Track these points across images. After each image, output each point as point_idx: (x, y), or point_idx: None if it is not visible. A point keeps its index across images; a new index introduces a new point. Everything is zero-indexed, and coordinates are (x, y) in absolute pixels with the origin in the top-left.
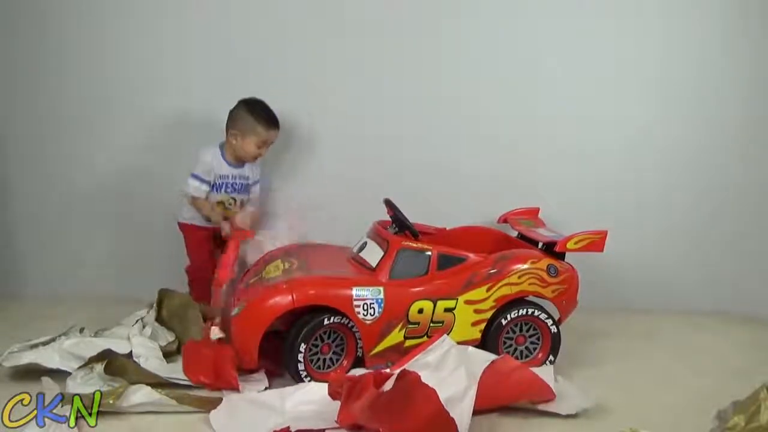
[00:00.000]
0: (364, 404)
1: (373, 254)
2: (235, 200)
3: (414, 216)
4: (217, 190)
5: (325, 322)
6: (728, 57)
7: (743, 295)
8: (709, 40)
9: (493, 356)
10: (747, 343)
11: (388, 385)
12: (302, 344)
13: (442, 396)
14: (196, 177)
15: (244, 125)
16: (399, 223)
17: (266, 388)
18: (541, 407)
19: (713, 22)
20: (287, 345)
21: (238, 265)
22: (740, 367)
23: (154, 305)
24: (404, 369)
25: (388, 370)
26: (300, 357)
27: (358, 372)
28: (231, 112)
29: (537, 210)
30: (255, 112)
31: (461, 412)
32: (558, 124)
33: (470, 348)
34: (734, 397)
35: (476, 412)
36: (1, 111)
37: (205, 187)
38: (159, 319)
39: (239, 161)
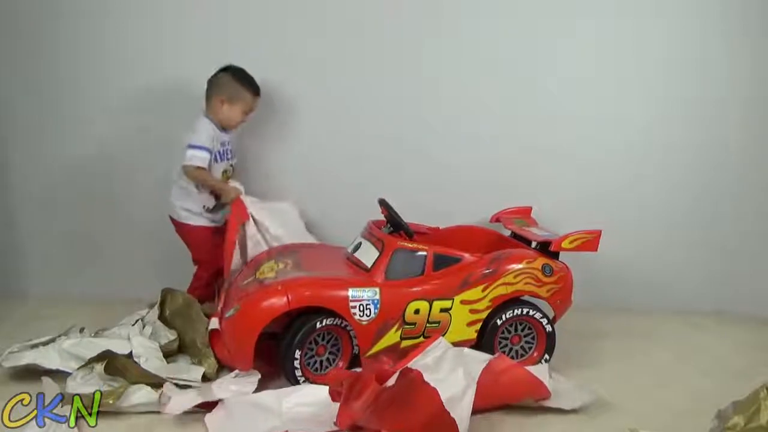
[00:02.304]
0: (364, 403)
1: (368, 254)
2: (232, 167)
3: (405, 215)
4: (221, 159)
5: (318, 325)
6: (728, 57)
7: (743, 296)
8: (709, 40)
9: (489, 356)
10: (747, 343)
11: (391, 382)
12: (297, 351)
13: (442, 396)
14: (199, 148)
15: (232, 92)
16: (394, 223)
17: (258, 381)
18: (544, 404)
19: (713, 22)
20: (282, 351)
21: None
22: (740, 367)
23: (156, 305)
24: (406, 367)
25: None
26: (296, 363)
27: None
28: (215, 78)
29: (529, 209)
30: (242, 80)
31: (461, 411)
32: (557, 124)
33: (466, 349)
34: (734, 397)
35: (475, 412)
36: (3, 112)
37: (208, 157)
38: (162, 318)
39: (223, 129)
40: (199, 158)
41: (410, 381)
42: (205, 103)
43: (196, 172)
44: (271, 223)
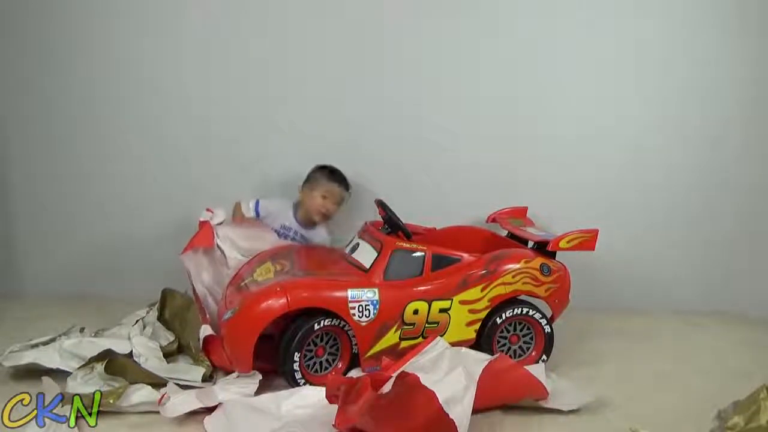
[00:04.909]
0: (362, 407)
1: (366, 255)
2: None
3: (402, 215)
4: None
5: (315, 327)
6: (728, 57)
7: (742, 296)
8: (708, 40)
9: (486, 356)
10: (746, 344)
11: (387, 387)
12: (296, 353)
13: (441, 397)
14: (257, 205)
15: (311, 181)
16: (391, 224)
17: (258, 382)
18: (543, 404)
19: (713, 22)
20: (281, 353)
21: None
22: (740, 367)
23: (156, 305)
24: (403, 371)
25: (379, 368)
26: (296, 366)
27: (354, 374)
28: (308, 175)
29: (525, 209)
30: (321, 169)
31: (461, 412)
32: (556, 124)
33: (464, 349)
34: (734, 397)
35: (474, 411)
36: (1, 111)
37: (252, 216)
38: (161, 318)
39: (310, 222)
40: (248, 207)
41: (407, 385)
42: None
43: (238, 211)
44: (239, 238)
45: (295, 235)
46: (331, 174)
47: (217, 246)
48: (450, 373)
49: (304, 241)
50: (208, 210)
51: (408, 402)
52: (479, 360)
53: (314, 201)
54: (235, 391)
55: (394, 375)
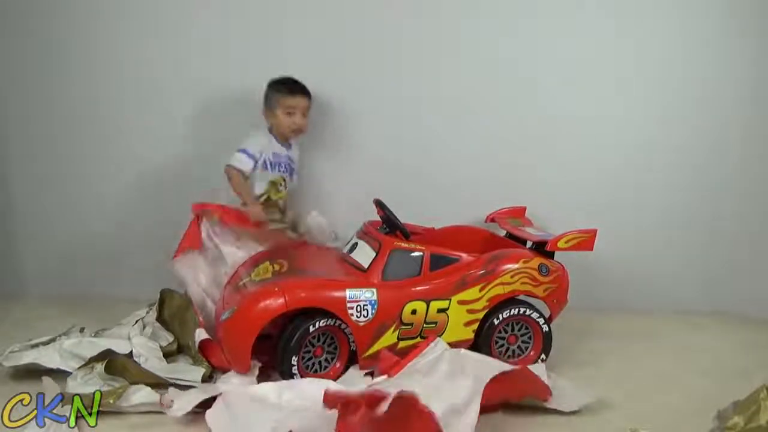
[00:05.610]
0: (362, 419)
1: (364, 255)
2: (285, 181)
3: (400, 215)
4: (272, 169)
5: (311, 328)
6: (728, 57)
7: (742, 296)
8: (709, 40)
9: (486, 357)
10: (746, 344)
11: (384, 407)
12: (294, 356)
13: (443, 406)
14: (244, 151)
15: (271, 101)
16: (390, 224)
17: (258, 370)
18: (545, 404)
19: (713, 22)
20: (279, 354)
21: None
22: (740, 367)
23: (156, 305)
24: (401, 391)
25: (380, 379)
26: (294, 369)
27: (352, 373)
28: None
29: (523, 209)
30: (274, 85)
31: (464, 425)
32: (556, 124)
33: (463, 350)
34: (734, 397)
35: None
36: (1, 111)
37: (250, 163)
38: (160, 319)
39: (286, 141)
40: (238, 160)
41: (405, 405)
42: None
43: (232, 173)
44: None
45: (286, 160)
46: (287, 88)
47: (211, 240)
48: (453, 380)
49: (291, 162)
50: (195, 209)
51: (406, 423)
52: (480, 361)
53: (282, 120)
54: (236, 382)
55: (392, 395)
